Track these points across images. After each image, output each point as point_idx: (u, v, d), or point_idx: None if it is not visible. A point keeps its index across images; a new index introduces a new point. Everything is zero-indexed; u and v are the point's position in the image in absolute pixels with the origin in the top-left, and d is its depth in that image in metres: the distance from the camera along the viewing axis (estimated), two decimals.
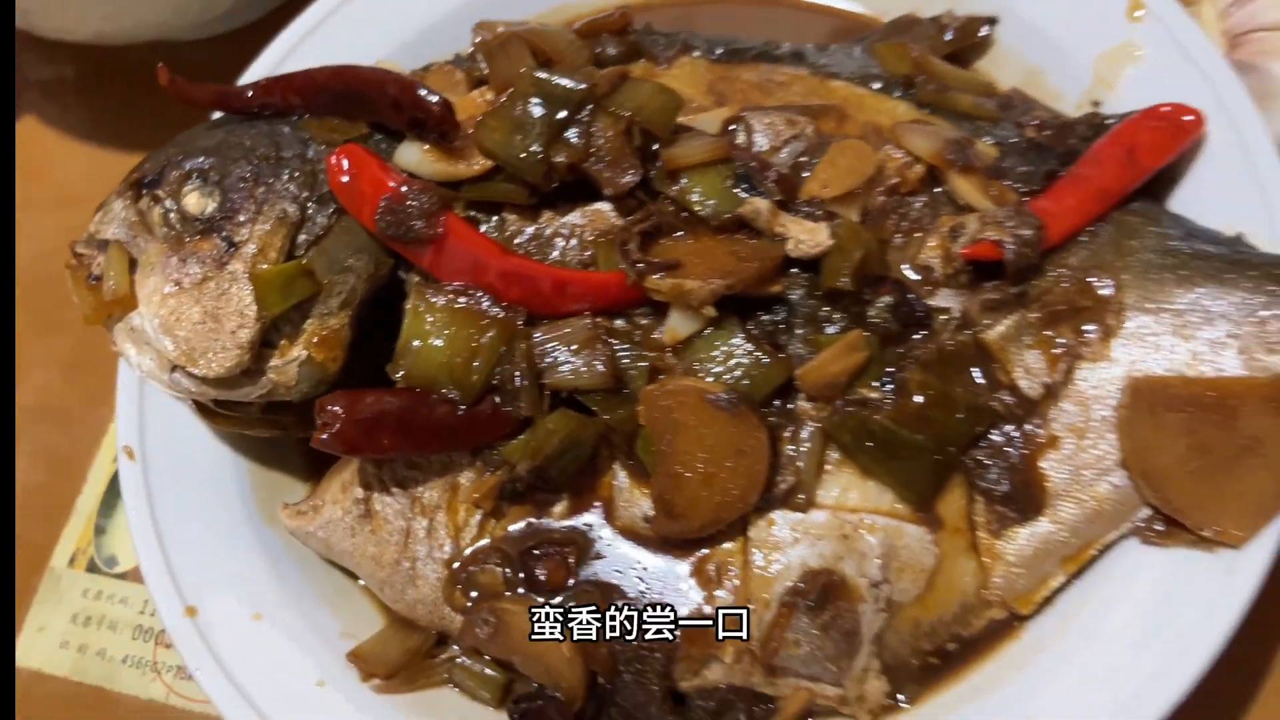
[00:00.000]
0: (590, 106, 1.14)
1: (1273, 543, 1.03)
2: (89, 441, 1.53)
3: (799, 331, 1.13)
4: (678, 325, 1.12)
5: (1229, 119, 1.20)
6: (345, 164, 1.14)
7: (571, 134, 1.13)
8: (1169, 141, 1.20)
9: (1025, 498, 1.10)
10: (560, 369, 1.11)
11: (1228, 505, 1.04)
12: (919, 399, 1.09)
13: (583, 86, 1.13)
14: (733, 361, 1.11)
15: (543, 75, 1.15)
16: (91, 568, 1.45)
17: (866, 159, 1.19)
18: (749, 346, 1.11)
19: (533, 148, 1.14)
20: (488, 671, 1.18)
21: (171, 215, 1.16)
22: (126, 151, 1.70)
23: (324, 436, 1.08)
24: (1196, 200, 1.19)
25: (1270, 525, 1.03)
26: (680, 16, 1.50)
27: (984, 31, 1.40)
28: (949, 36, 1.39)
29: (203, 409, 1.23)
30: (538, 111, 1.13)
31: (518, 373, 1.11)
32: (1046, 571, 1.10)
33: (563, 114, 1.13)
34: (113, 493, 1.48)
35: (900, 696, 1.11)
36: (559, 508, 1.16)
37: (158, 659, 1.39)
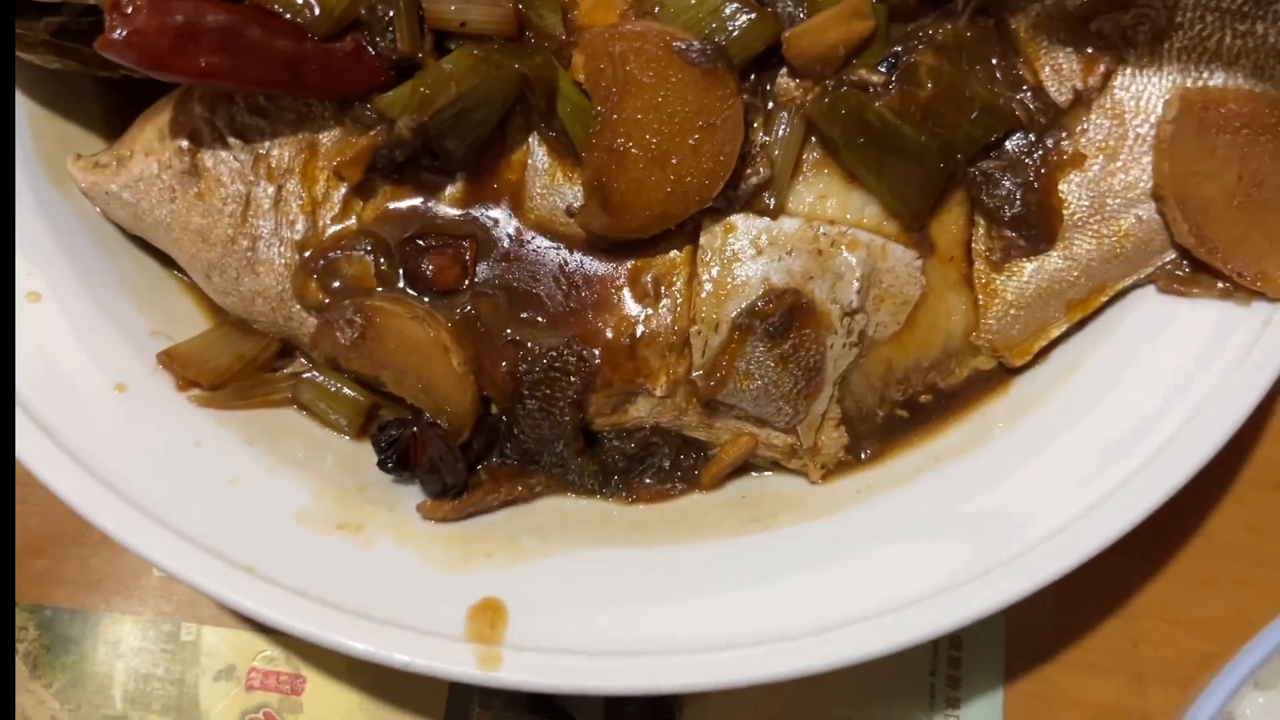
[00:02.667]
0: None
1: None
2: None
3: None
4: None
5: None
6: None
7: None
8: None
9: (1038, 224, 0.90)
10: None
11: (1277, 248, 0.87)
12: (928, 88, 0.87)
13: None
14: (704, 10, 0.85)
15: None
16: None
17: None
18: None
19: None
20: (345, 391, 0.93)
21: None
22: None
23: (115, 35, 0.78)
24: None
25: None
26: None
27: None
28: None
29: None
30: None
31: None
32: (1049, 317, 0.92)
33: None
34: None
35: (860, 452, 0.91)
36: (452, 189, 0.89)
37: None
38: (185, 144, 0.88)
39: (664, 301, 0.88)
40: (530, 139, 0.89)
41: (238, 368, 0.92)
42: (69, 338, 0.89)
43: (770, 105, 0.88)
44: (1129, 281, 0.92)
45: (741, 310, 0.87)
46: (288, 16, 0.82)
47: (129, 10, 0.76)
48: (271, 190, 0.88)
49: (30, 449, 0.84)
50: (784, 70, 0.88)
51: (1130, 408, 0.88)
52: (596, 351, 0.88)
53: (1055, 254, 0.91)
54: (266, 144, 0.88)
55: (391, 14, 0.84)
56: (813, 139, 0.89)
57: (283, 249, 0.89)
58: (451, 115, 0.85)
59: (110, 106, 0.98)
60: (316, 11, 0.82)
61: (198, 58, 0.78)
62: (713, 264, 0.88)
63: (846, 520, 0.87)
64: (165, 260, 0.96)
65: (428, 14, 0.83)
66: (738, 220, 0.88)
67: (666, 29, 0.83)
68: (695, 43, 0.82)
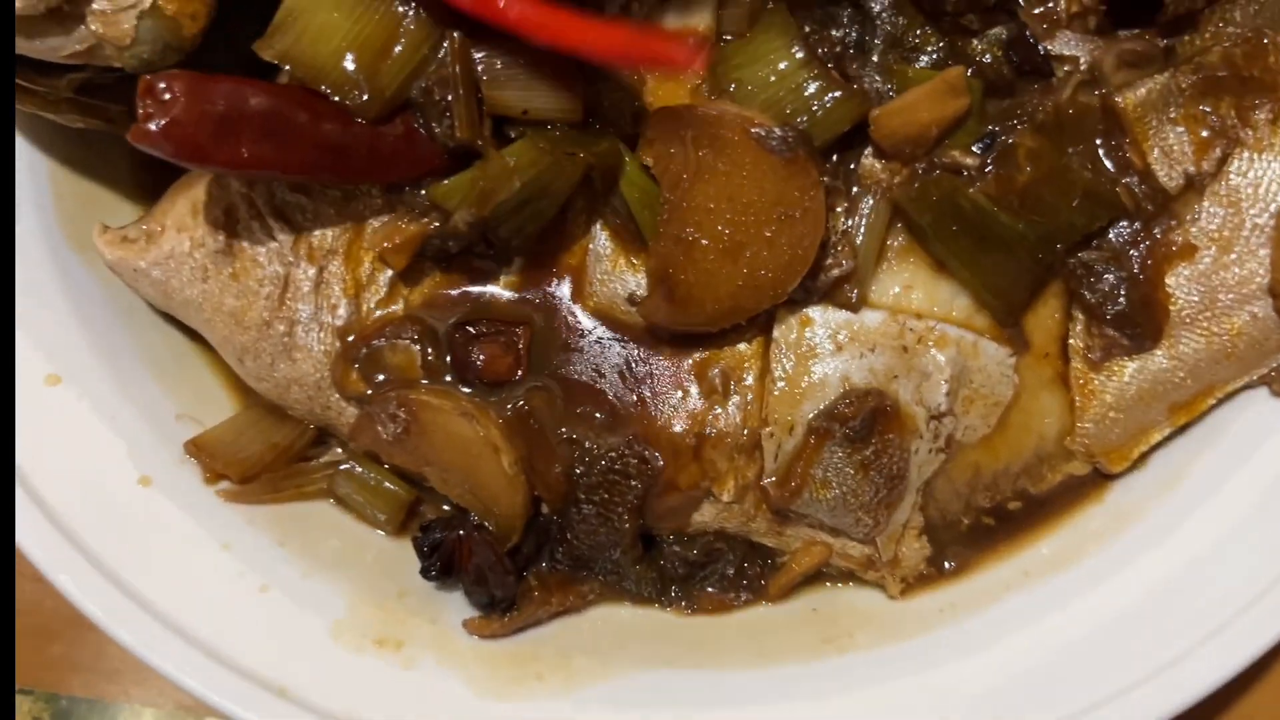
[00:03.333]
0: None
1: None
2: None
3: (877, 58, 0.81)
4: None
5: None
6: None
7: None
8: None
9: (1142, 320, 0.83)
10: (508, 84, 0.77)
11: None
12: (1026, 172, 0.80)
13: None
14: (785, 88, 0.78)
15: None
16: None
17: None
18: (810, 70, 0.78)
19: None
20: (387, 485, 0.86)
21: None
22: None
23: (150, 127, 0.70)
24: None
25: None
26: None
27: None
28: None
29: None
30: None
31: (447, 80, 0.76)
32: (1150, 420, 0.85)
33: None
34: None
35: (943, 564, 0.84)
36: (506, 275, 0.83)
37: None
38: (220, 221, 0.82)
39: (733, 399, 0.81)
40: (594, 223, 0.82)
41: (270, 458, 0.85)
42: (90, 426, 0.83)
43: (854, 188, 0.81)
44: (1239, 383, 0.85)
45: (819, 412, 0.80)
46: (335, 99, 0.75)
47: (165, 97, 0.69)
48: (312, 272, 0.82)
49: (48, 553, 0.78)
50: (869, 150, 0.81)
51: (1240, 523, 0.81)
52: (659, 453, 0.81)
53: (1160, 353, 0.83)
54: (308, 223, 0.82)
55: (449, 98, 0.77)
56: (898, 224, 0.82)
57: (322, 334, 0.82)
58: (513, 207, 0.78)
59: (138, 165, 0.92)
60: (366, 93, 0.75)
61: (241, 148, 0.71)
62: (787, 359, 0.81)
63: (929, 647, 0.80)
64: (190, 334, 0.89)
65: (487, 100, 0.77)
66: (815, 313, 0.81)
67: (744, 112, 0.76)
68: (776, 129, 0.75)
